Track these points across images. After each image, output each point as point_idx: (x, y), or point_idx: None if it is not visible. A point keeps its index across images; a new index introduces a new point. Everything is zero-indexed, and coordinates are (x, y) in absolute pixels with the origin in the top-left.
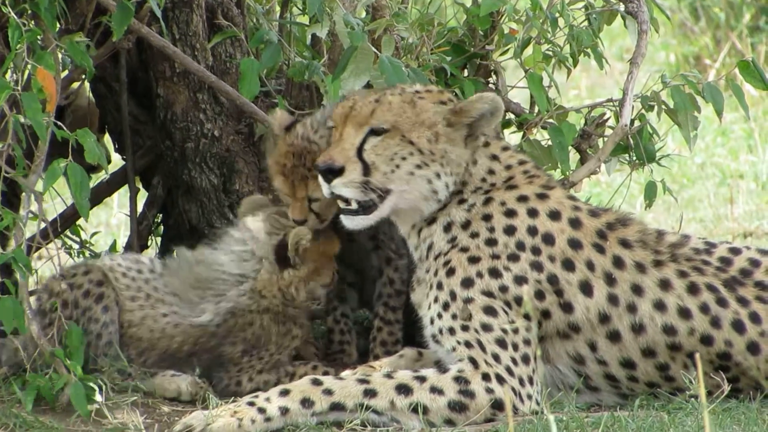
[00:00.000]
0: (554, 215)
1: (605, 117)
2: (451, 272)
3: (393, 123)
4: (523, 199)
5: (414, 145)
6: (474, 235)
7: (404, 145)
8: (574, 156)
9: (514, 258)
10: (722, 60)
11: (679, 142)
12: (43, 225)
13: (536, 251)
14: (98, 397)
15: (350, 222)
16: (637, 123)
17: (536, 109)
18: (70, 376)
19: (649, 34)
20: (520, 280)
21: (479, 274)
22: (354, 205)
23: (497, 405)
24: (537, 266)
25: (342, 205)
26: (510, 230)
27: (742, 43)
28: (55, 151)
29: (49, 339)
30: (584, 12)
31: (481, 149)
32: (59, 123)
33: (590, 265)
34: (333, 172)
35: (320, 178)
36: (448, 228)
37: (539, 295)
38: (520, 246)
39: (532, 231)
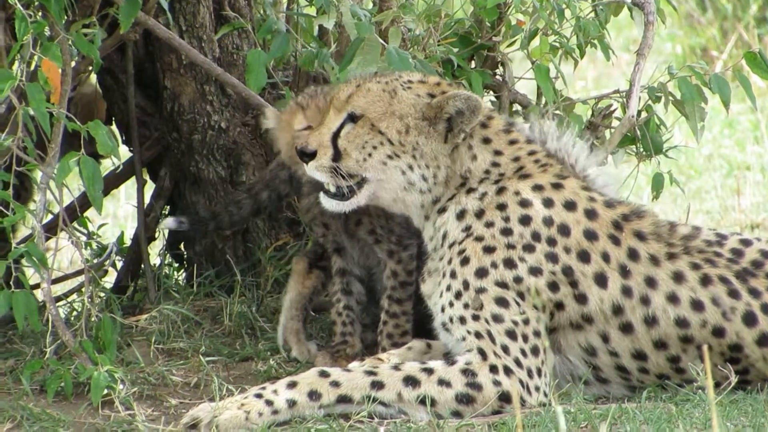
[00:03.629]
0: (570, 206)
1: (612, 108)
2: (465, 261)
3: (365, 110)
4: (538, 188)
5: (383, 134)
6: (489, 225)
7: (374, 134)
8: None
9: (529, 248)
10: (729, 51)
11: (686, 133)
12: (49, 217)
13: (552, 242)
14: (120, 386)
15: (325, 202)
16: (644, 114)
17: (543, 101)
18: (95, 369)
19: (655, 25)
20: (534, 271)
21: (494, 264)
22: (332, 189)
23: (504, 397)
24: (552, 257)
25: (325, 186)
26: (525, 220)
27: (749, 34)
28: (66, 140)
29: (76, 330)
30: (591, 3)
31: (481, 146)
32: (70, 115)
33: (605, 257)
34: (307, 155)
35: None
36: (461, 216)
37: (553, 286)
38: (536, 236)
39: (548, 221)
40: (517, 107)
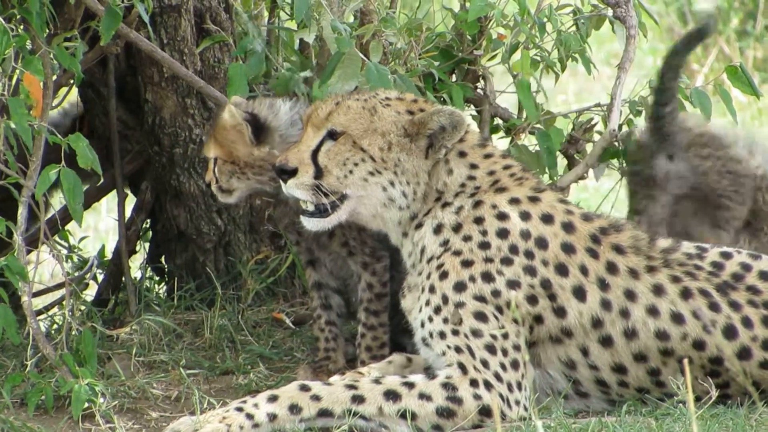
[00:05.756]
0: (547, 219)
1: (593, 122)
2: (444, 276)
3: (346, 127)
4: (514, 201)
5: (365, 152)
6: (466, 239)
7: (355, 151)
8: (561, 161)
9: (507, 262)
10: (710, 65)
11: None
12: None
13: (529, 255)
14: (100, 399)
15: (307, 223)
16: (625, 128)
17: (524, 115)
18: (75, 382)
19: (637, 38)
20: (512, 284)
21: (472, 278)
22: (311, 207)
23: (485, 411)
24: (530, 270)
25: (302, 206)
26: (503, 233)
27: (730, 47)
28: (50, 157)
29: (57, 343)
30: (572, 17)
31: (457, 159)
32: (51, 128)
33: (584, 270)
34: (286, 173)
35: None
36: (438, 230)
37: (532, 299)
38: (514, 250)
39: (525, 234)
40: (498, 121)
